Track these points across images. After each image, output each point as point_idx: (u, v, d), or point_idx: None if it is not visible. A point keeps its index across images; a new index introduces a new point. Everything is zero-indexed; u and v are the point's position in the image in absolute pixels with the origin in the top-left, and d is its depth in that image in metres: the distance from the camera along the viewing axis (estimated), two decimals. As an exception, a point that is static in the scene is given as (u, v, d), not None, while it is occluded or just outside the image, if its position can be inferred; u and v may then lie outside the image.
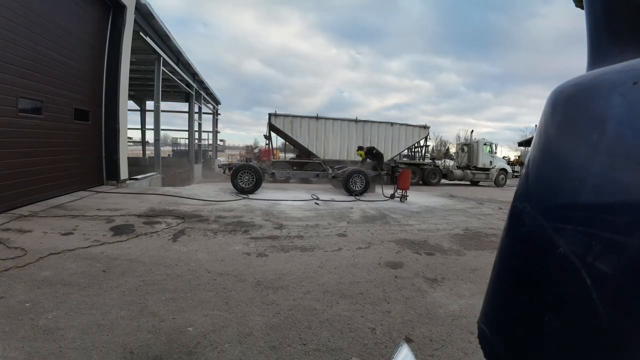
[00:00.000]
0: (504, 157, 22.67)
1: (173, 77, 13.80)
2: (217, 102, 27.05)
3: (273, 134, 17.32)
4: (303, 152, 17.64)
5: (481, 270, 3.83)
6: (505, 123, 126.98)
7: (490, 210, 8.22)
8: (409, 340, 2.36)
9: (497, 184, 17.54)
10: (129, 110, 10.13)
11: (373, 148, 11.45)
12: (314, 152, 16.83)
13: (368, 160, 10.99)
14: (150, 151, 20.28)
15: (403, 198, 8.85)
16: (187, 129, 19.34)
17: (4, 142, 5.14)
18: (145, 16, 9.95)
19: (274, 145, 18.07)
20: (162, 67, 11.36)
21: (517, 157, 29.85)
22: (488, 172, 17.46)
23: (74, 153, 7.13)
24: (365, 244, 4.65)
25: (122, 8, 8.31)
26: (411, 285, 3.32)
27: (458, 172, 17.13)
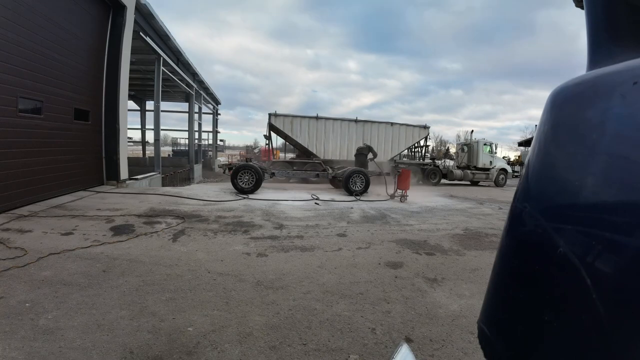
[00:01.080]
0: (504, 157, 22.67)
1: (173, 77, 13.81)
2: (217, 102, 27.06)
3: (273, 134, 17.31)
4: (303, 152, 17.62)
5: (481, 270, 3.83)
6: (489, 122, 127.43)
7: (490, 210, 8.21)
8: (409, 340, 2.35)
9: (497, 184, 17.53)
10: (129, 110, 10.13)
11: (362, 149, 11.57)
12: (314, 152, 16.83)
13: (369, 158, 11.04)
14: (150, 151, 20.30)
15: (403, 198, 8.85)
16: (186, 128, 19.35)
17: (4, 142, 5.14)
18: (145, 16, 9.96)
19: (274, 145, 18.06)
20: (162, 67, 11.37)
21: (517, 157, 29.85)
22: (488, 172, 17.44)
23: (74, 153, 7.13)
24: (365, 244, 4.65)
25: (122, 8, 8.31)
26: (411, 285, 3.32)
27: (458, 172, 17.11)
